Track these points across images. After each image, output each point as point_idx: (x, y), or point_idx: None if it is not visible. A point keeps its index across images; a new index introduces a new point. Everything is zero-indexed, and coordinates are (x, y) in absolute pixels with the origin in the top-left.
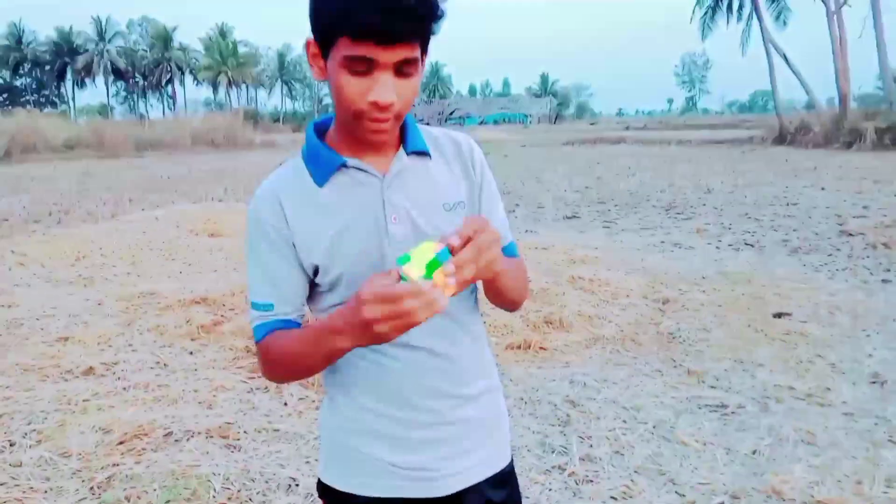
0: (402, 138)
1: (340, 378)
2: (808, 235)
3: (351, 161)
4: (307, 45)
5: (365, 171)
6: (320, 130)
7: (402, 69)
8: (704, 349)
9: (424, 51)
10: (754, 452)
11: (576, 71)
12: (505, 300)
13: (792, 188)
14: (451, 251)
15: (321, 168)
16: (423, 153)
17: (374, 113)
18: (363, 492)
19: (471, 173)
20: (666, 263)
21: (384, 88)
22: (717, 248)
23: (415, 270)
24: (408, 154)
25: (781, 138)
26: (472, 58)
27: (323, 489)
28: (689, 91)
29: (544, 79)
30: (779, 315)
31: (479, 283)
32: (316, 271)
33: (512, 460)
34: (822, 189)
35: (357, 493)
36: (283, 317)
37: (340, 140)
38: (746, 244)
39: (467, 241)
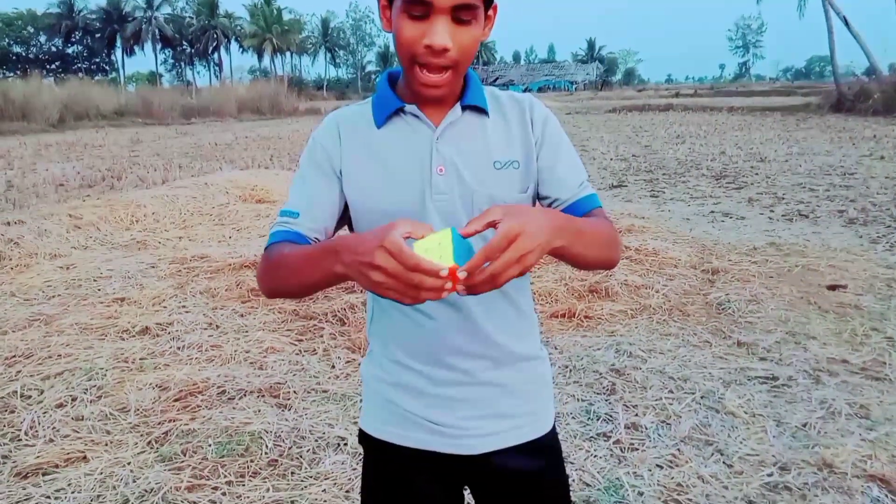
0: (462, 92)
1: (378, 329)
2: (866, 206)
3: (409, 107)
4: None
5: (419, 119)
6: (393, 80)
7: (460, 16)
8: (755, 321)
9: (490, 3)
10: (805, 425)
11: (624, 37)
12: (583, 265)
13: (849, 157)
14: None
15: (381, 110)
16: (481, 110)
17: (429, 57)
18: (395, 440)
19: (529, 134)
20: (716, 233)
21: (438, 33)
22: (770, 218)
23: (434, 247)
24: (464, 107)
25: (839, 106)
26: (517, 24)
27: (362, 436)
28: (743, 57)
29: (591, 45)
30: (833, 287)
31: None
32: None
33: (553, 432)
34: (882, 158)
35: (390, 442)
36: (301, 230)
37: (406, 90)
38: (800, 214)
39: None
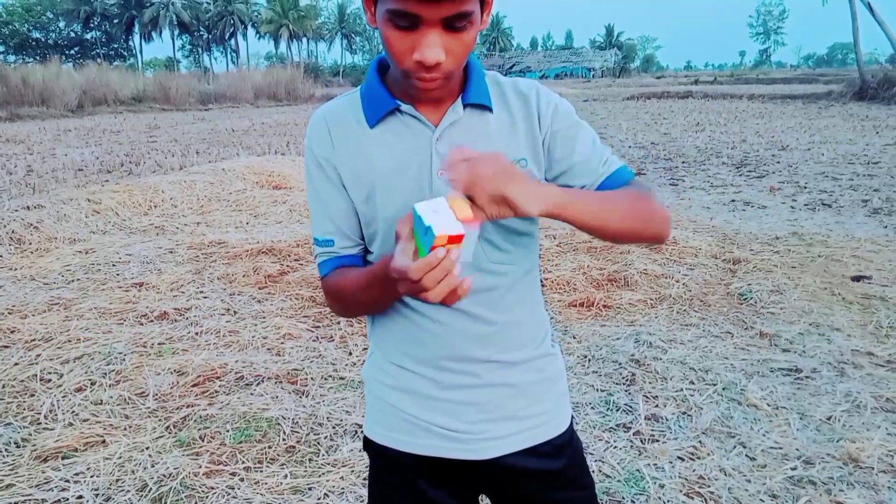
0: (463, 87)
1: (379, 333)
2: (890, 196)
3: (405, 106)
4: None
5: (417, 119)
6: (384, 68)
7: (453, 24)
8: (777, 311)
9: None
10: (829, 418)
11: (643, 23)
12: (604, 235)
13: (873, 146)
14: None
15: (374, 109)
16: (484, 107)
17: (421, 72)
18: (400, 447)
19: (536, 128)
20: (737, 223)
21: (430, 47)
22: (792, 207)
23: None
24: (465, 106)
25: (862, 94)
26: (534, 10)
27: (367, 443)
28: (763, 43)
29: (609, 31)
30: (857, 278)
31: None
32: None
33: (571, 430)
34: None
35: (394, 448)
36: (343, 253)
37: (399, 82)
38: (823, 204)
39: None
